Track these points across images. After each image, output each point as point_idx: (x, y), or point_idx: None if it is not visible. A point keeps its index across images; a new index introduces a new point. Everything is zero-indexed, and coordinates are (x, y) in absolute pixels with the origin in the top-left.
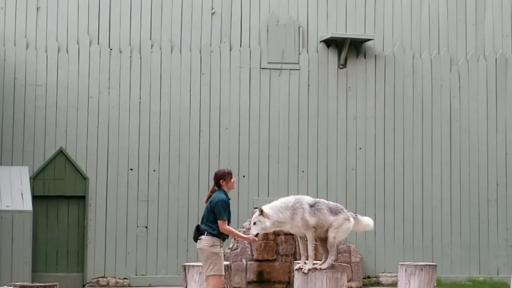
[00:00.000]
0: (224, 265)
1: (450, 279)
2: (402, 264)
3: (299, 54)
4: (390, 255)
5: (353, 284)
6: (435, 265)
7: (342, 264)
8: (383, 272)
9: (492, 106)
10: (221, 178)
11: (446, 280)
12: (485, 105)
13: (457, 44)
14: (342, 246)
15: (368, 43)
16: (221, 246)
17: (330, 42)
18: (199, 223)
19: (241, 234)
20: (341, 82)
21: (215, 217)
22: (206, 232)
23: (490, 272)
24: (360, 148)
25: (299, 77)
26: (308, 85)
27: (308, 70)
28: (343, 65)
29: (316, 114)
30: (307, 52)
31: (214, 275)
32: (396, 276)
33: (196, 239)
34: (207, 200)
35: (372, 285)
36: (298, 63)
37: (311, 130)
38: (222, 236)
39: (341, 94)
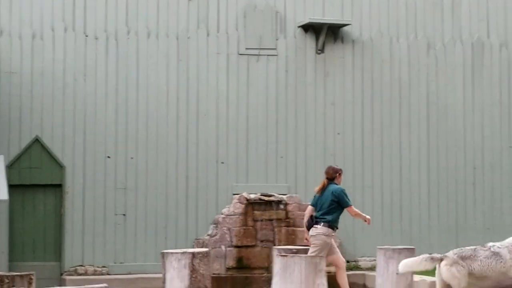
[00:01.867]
0: (204, 251)
1: None
2: (380, 248)
3: (276, 40)
4: (369, 239)
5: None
6: (413, 249)
7: None
8: (362, 257)
9: (468, 90)
10: (337, 173)
11: None
12: (462, 89)
13: (434, 29)
14: None
15: (345, 28)
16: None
17: (308, 28)
18: (314, 214)
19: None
20: (319, 68)
21: (332, 208)
22: (322, 223)
23: None
24: (339, 133)
25: (277, 62)
26: (286, 71)
27: (286, 56)
28: (320, 50)
29: (294, 100)
30: (285, 37)
31: None
32: (375, 260)
33: (310, 227)
34: (320, 191)
35: (352, 269)
36: (276, 48)
37: (290, 116)
38: (336, 226)
39: (319, 80)
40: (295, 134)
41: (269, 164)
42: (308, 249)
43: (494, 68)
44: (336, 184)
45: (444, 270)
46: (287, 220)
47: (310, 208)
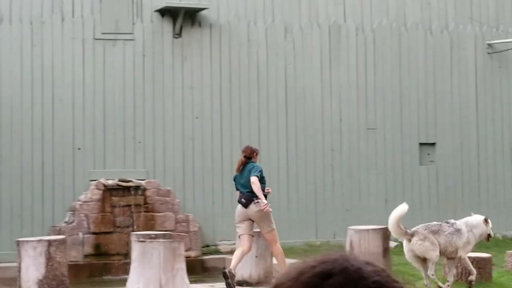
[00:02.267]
0: (60, 239)
1: (288, 245)
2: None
3: (133, 24)
4: (229, 223)
5: (192, 253)
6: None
7: (180, 233)
8: (222, 241)
9: (326, 73)
10: (254, 152)
11: (284, 246)
12: (320, 72)
13: (291, 12)
14: (181, 215)
15: (203, 12)
16: None
17: (165, 12)
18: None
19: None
20: (177, 52)
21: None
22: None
23: (327, 236)
24: (197, 117)
25: (134, 47)
26: (144, 55)
27: (143, 40)
28: (178, 34)
29: (152, 85)
30: (142, 22)
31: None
32: (235, 244)
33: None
34: (239, 170)
35: (211, 254)
36: (133, 33)
37: (147, 101)
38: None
39: (177, 64)
40: (153, 119)
41: (127, 150)
42: (168, 234)
43: (350, 51)
44: (253, 162)
45: (417, 245)
46: (146, 205)
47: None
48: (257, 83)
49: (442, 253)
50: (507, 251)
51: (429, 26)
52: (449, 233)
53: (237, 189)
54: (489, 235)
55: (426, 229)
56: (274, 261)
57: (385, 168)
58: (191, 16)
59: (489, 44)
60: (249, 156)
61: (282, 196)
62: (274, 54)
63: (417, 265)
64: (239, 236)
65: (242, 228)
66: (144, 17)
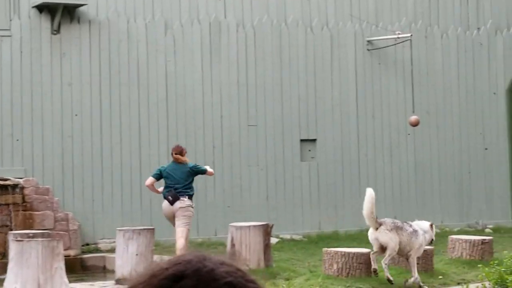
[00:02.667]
0: None
1: (169, 242)
2: (120, 230)
3: (10, 21)
4: (109, 221)
5: (71, 252)
6: (153, 229)
7: (59, 232)
8: (102, 239)
9: (207, 70)
10: (184, 150)
11: (165, 243)
12: (201, 68)
13: (171, 9)
14: (60, 214)
15: (81, 8)
16: None
17: (43, 8)
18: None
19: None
20: (55, 48)
21: (191, 181)
22: (187, 196)
23: (208, 233)
24: (76, 115)
25: (11, 44)
26: (21, 52)
27: (21, 37)
28: (56, 31)
29: (30, 81)
30: (19, 18)
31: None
32: (115, 242)
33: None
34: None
35: (91, 252)
36: (10, 29)
37: (25, 98)
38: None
39: (55, 61)
40: (31, 116)
41: (4, 147)
42: (46, 233)
43: (231, 48)
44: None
45: (383, 233)
46: (24, 204)
47: (152, 179)
48: (137, 80)
49: (400, 251)
50: None
51: (309, 23)
52: (409, 233)
53: (167, 187)
54: (432, 240)
55: (393, 222)
56: (155, 258)
57: (266, 164)
58: (69, 12)
59: (368, 41)
60: (181, 154)
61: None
62: (154, 50)
63: (376, 252)
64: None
65: (175, 223)
66: (22, 13)
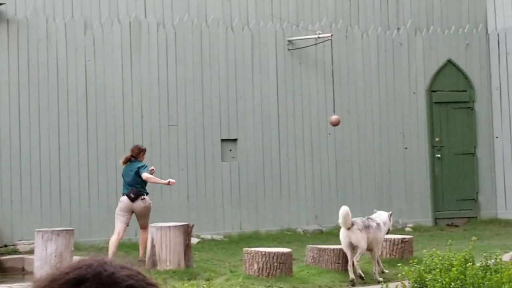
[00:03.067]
0: None
1: (89, 243)
2: (38, 231)
3: None
4: (27, 222)
5: None
6: (72, 230)
7: None
8: (21, 240)
9: (127, 70)
10: (141, 151)
11: (85, 244)
12: (121, 68)
13: (91, 8)
14: None
15: (0, 7)
16: None
17: None
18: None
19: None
20: None
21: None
22: (145, 193)
23: (129, 233)
24: None
25: None
26: None
27: None
28: None
29: None
30: None
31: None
32: (34, 243)
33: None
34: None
35: (10, 254)
36: None
37: None
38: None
39: None
40: None
41: None
42: None
43: (152, 47)
44: (139, 162)
45: (355, 233)
46: None
47: None
48: (56, 79)
49: (368, 246)
50: (308, 246)
51: (230, 22)
52: (374, 229)
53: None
54: (389, 229)
55: (362, 222)
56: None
57: (187, 164)
58: None
59: (289, 41)
60: (136, 156)
61: (83, 194)
62: (73, 50)
63: (348, 251)
64: (116, 224)
65: (122, 218)
66: None
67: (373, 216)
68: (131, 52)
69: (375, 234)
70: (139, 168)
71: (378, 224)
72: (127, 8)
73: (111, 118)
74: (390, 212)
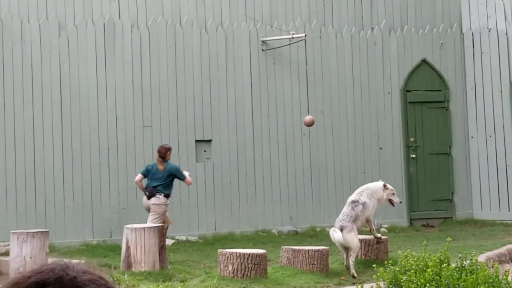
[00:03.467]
0: None
1: (64, 245)
2: (13, 233)
3: None
4: (3, 224)
5: None
6: (47, 231)
7: None
8: None
9: (101, 71)
10: (168, 151)
11: (60, 246)
12: (95, 69)
13: (65, 9)
14: None
15: None
16: None
17: None
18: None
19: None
20: None
21: (169, 181)
22: (163, 194)
23: (104, 235)
24: None
25: None
26: None
27: None
28: None
29: None
30: None
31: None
32: (9, 245)
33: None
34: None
35: None
36: None
37: None
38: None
39: None
40: None
41: None
42: None
43: (126, 49)
44: (168, 161)
45: (346, 236)
46: None
47: (140, 176)
48: (31, 81)
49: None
50: (282, 247)
51: (204, 23)
52: (360, 212)
53: (147, 185)
54: (391, 201)
55: (350, 221)
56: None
57: None
58: None
59: (263, 41)
60: (163, 156)
61: (58, 195)
62: (48, 51)
63: (342, 250)
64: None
65: (151, 217)
66: None
67: (356, 195)
68: (105, 53)
69: (363, 215)
70: (172, 169)
71: (364, 203)
72: (101, 9)
73: (86, 119)
74: (383, 183)
